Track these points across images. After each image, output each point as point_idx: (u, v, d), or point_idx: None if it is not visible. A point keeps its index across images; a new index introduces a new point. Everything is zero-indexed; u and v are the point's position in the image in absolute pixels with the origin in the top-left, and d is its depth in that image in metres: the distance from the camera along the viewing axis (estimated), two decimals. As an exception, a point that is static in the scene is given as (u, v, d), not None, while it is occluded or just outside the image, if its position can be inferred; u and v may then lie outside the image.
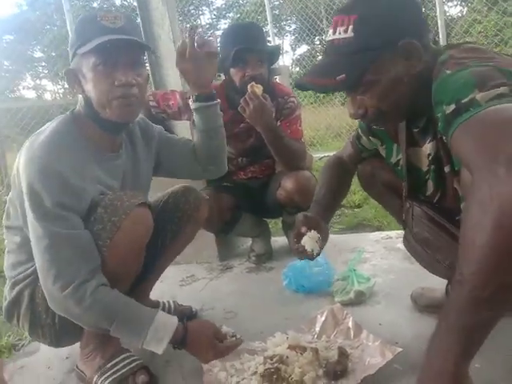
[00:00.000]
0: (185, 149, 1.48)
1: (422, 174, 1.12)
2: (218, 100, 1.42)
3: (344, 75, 0.92)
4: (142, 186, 1.37)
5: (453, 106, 0.76)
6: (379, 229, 2.63)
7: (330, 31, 0.96)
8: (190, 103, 1.40)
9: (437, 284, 1.38)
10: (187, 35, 1.28)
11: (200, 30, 1.30)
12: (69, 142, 1.15)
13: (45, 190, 1.05)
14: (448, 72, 0.83)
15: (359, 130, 1.31)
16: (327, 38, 0.98)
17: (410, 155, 1.14)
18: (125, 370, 1.19)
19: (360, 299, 1.51)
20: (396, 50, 0.92)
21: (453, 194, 1.02)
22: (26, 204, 1.07)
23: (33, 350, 1.55)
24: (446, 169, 1.00)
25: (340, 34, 0.94)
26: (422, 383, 0.74)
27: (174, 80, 2.17)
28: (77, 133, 1.18)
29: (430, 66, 0.91)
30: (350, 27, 0.92)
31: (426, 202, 1.13)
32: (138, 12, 2.48)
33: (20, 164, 1.11)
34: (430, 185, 1.10)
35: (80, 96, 1.20)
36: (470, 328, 0.67)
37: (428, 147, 1.05)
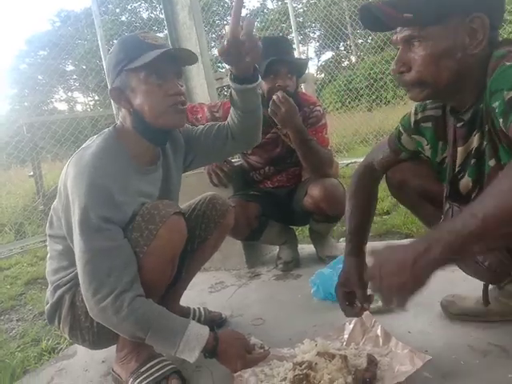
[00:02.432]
0: (211, 135, 1.48)
1: (456, 173, 1.11)
2: (259, 80, 1.34)
3: (411, 15, 0.92)
4: (172, 194, 1.43)
5: None
6: (408, 236, 2.60)
7: None
8: (230, 82, 1.33)
9: (467, 292, 1.36)
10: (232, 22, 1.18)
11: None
12: (114, 157, 1.21)
13: (91, 204, 1.11)
14: (508, 64, 0.83)
15: (401, 128, 1.27)
16: None
17: (454, 154, 1.11)
18: (158, 373, 1.23)
19: (389, 307, 1.51)
20: (464, 21, 0.91)
21: None
22: (74, 218, 1.13)
23: (71, 353, 1.62)
24: (491, 162, 0.98)
25: None
26: (397, 248, 0.81)
27: (201, 93, 2.23)
28: (120, 148, 1.24)
29: (485, 58, 0.91)
30: None
31: (466, 203, 1.12)
32: (165, 26, 2.58)
33: (68, 178, 1.17)
34: (468, 182, 1.08)
35: (124, 112, 1.25)
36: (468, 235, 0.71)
37: (474, 140, 1.02)
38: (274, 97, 1.77)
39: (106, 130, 1.29)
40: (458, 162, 1.08)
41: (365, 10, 0.99)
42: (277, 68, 1.86)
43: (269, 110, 1.80)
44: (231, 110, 1.42)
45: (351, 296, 1.28)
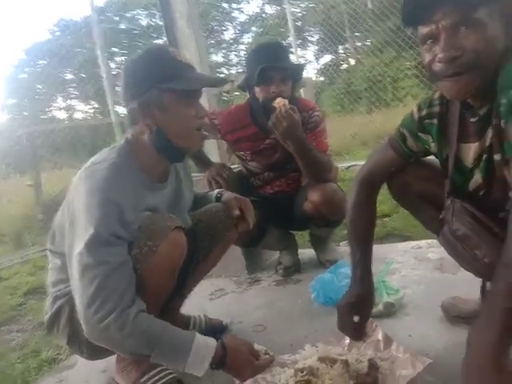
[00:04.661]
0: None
1: (467, 170, 1.10)
2: None
3: None
4: (181, 217, 1.35)
5: None
6: (409, 239, 2.59)
7: None
8: None
9: (468, 294, 1.36)
10: None
11: None
12: (126, 173, 1.19)
13: (103, 220, 1.09)
14: None
15: (404, 131, 1.22)
16: None
17: (458, 151, 1.11)
18: (160, 382, 1.23)
19: (390, 311, 1.50)
20: (500, 7, 0.90)
21: (500, 186, 1.00)
22: (79, 233, 1.10)
23: (71, 363, 1.62)
24: (496, 157, 0.97)
25: None
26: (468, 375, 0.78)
27: (201, 100, 2.23)
28: (132, 163, 1.23)
29: (503, 52, 0.90)
30: None
31: (469, 199, 1.11)
32: (164, 33, 2.59)
33: (79, 193, 1.14)
34: (478, 178, 1.07)
35: (141, 126, 1.23)
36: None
37: (488, 136, 1.01)
38: (277, 109, 1.73)
39: (118, 144, 1.28)
40: (472, 158, 1.07)
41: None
42: (270, 74, 1.85)
43: (269, 122, 1.78)
44: None
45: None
